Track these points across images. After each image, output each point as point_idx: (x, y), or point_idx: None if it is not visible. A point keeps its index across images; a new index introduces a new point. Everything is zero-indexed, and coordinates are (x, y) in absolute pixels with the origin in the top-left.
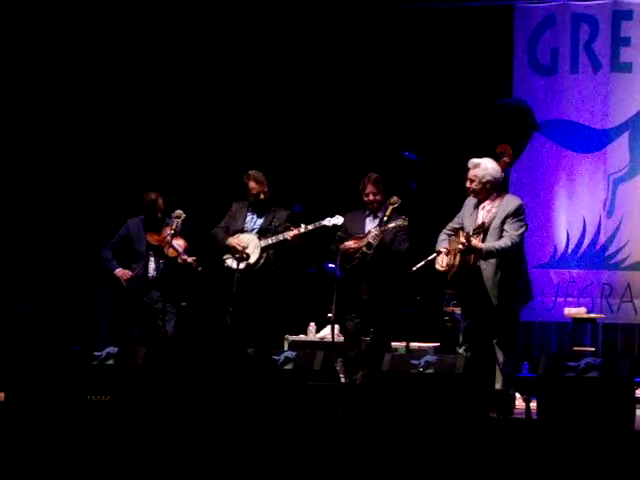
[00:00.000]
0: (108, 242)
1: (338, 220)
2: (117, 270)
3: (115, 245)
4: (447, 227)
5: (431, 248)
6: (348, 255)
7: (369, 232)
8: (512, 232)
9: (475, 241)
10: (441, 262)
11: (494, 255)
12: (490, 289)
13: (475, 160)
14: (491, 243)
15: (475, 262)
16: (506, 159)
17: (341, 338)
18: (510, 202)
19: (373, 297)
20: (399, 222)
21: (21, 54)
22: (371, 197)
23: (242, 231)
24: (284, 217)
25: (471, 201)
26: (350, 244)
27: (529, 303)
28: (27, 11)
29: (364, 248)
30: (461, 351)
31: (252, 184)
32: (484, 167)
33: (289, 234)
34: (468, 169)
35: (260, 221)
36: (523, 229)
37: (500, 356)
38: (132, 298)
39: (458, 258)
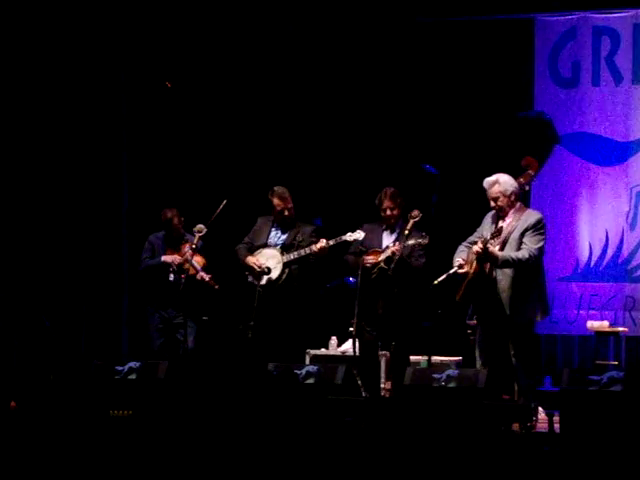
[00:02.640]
0: (142, 260)
1: (359, 235)
2: (164, 257)
3: (149, 259)
4: (467, 240)
5: (452, 262)
6: (366, 269)
7: (387, 247)
8: (531, 245)
9: (492, 248)
10: (462, 269)
11: (510, 264)
12: (505, 300)
13: (490, 179)
14: (508, 252)
15: (491, 271)
16: (531, 172)
17: None
18: (530, 216)
19: (391, 312)
20: (419, 239)
21: (42, 68)
22: (388, 212)
23: (265, 246)
24: (309, 232)
25: (491, 214)
26: (369, 258)
27: (546, 317)
28: (48, 23)
29: (382, 263)
30: (478, 366)
31: (276, 201)
32: (503, 181)
33: (315, 247)
34: (485, 190)
35: (284, 237)
36: (542, 243)
37: (517, 368)
38: (153, 312)
39: (474, 266)
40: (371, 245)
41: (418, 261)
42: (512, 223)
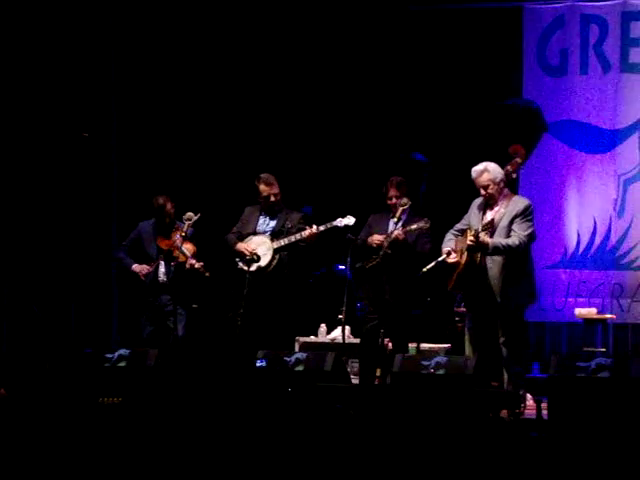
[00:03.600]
0: (120, 244)
1: (350, 220)
2: (134, 266)
3: (127, 247)
4: (454, 228)
5: (441, 250)
6: (373, 249)
7: (391, 232)
8: (520, 232)
9: (482, 236)
10: (451, 258)
11: (500, 251)
12: (495, 288)
13: (478, 167)
14: (498, 239)
15: (482, 261)
16: (519, 159)
17: (352, 339)
18: (518, 202)
19: (391, 298)
20: (421, 224)
21: (31, 56)
22: (394, 200)
23: (254, 234)
24: (297, 219)
25: (478, 202)
26: (378, 237)
27: (534, 303)
28: (36, 15)
29: (386, 248)
30: (467, 353)
31: (263, 187)
32: (492, 169)
33: (305, 233)
34: (473, 179)
35: (272, 223)
36: (531, 230)
37: (506, 355)
38: (143, 300)
39: (465, 257)
40: (379, 233)
41: (424, 247)
42: (501, 210)
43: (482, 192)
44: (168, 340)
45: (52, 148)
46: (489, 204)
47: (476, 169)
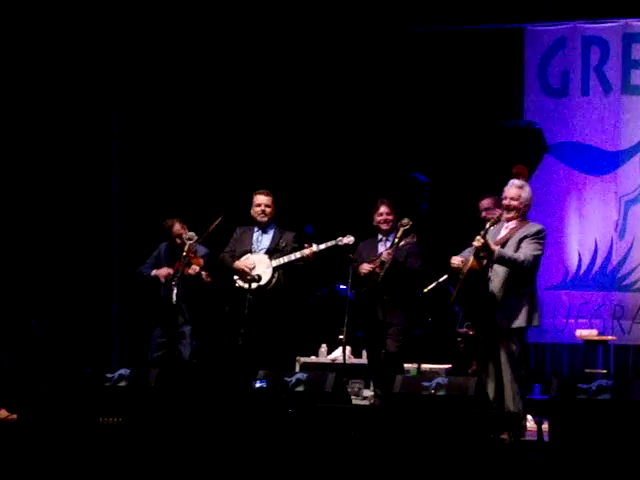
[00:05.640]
0: (144, 262)
1: (350, 239)
2: (153, 272)
3: (149, 265)
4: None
5: (442, 270)
6: (363, 278)
7: (381, 253)
8: (528, 251)
9: (490, 242)
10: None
11: (504, 261)
12: (494, 303)
13: (518, 182)
14: (505, 250)
15: (486, 267)
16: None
17: (352, 360)
18: (532, 226)
19: (386, 317)
20: (407, 239)
21: (31, 61)
22: (384, 216)
23: (250, 252)
24: (291, 238)
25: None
26: (366, 266)
27: (535, 326)
28: (40, 17)
29: (377, 269)
30: (472, 370)
31: (259, 196)
32: (527, 190)
33: (305, 252)
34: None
35: (266, 242)
36: (539, 252)
37: (508, 373)
38: (156, 322)
39: (470, 262)
40: (369, 258)
41: (413, 264)
42: (514, 228)
43: (505, 202)
44: (172, 360)
45: (55, 165)
46: (504, 224)
47: (515, 182)
